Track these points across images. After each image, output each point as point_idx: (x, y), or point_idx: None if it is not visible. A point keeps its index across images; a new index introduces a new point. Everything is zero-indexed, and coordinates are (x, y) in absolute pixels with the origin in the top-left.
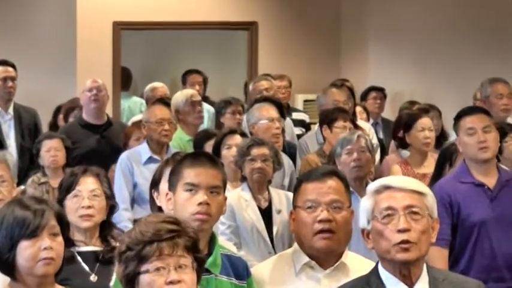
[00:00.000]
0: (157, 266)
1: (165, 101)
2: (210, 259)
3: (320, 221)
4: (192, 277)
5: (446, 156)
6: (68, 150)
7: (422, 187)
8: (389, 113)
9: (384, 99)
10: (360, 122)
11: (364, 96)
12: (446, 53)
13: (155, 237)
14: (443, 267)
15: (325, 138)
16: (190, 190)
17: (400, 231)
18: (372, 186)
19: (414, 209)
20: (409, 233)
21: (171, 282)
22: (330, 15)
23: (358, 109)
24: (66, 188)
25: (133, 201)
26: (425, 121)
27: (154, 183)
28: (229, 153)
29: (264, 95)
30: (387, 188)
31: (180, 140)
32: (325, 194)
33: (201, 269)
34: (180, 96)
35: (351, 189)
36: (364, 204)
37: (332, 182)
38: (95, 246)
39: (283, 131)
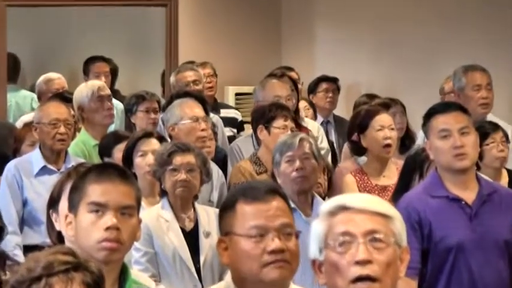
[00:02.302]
0: None
1: (63, 96)
2: None
3: (272, 252)
4: None
5: (416, 164)
6: None
7: (389, 208)
8: (343, 109)
9: (337, 93)
10: (307, 121)
11: (313, 88)
12: (413, 36)
13: (45, 271)
14: None
15: (260, 142)
16: (96, 211)
17: (358, 263)
18: (326, 206)
19: (377, 236)
20: (370, 266)
21: None
22: None
23: (303, 104)
24: None
25: (23, 222)
26: (383, 118)
27: (53, 202)
28: (144, 162)
29: (185, 89)
30: (344, 208)
31: (84, 145)
32: (273, 218)
33: None
34: (84, 90)
35: (293, 206)
36: (316, 229)
37: (277, 203)
38: None
39: (215, 133)
